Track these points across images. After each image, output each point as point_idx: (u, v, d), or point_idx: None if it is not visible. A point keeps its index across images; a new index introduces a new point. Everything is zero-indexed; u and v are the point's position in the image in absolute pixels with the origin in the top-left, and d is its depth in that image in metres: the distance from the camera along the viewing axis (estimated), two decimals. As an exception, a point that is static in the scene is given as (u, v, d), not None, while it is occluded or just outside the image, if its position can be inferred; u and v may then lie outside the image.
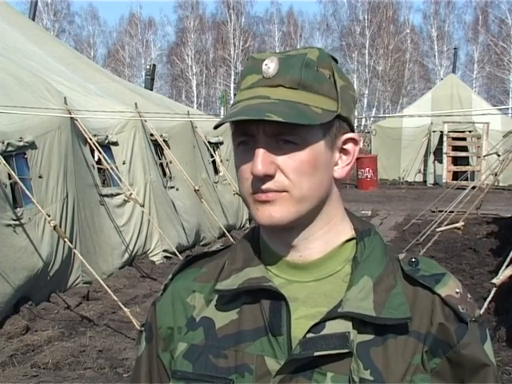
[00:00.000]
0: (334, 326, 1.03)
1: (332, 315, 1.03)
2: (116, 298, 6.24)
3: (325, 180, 1.06)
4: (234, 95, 1.10)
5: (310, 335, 1.03)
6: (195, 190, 9.66)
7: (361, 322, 1.03)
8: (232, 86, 42.26)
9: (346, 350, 1.02)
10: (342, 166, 1.09)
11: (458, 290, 1.08)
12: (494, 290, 5.68)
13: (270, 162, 1.02)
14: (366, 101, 40.93)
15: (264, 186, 1.03)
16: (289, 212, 1.04)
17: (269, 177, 1.03)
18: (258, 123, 1.02)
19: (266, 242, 1.12)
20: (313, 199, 1.05)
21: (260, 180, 1.03)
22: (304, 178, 1.03)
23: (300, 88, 1.04)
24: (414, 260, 1.09)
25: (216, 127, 1.09)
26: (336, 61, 1.10)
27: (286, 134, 1.02)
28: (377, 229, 1.15)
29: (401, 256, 1.11)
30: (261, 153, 1.02)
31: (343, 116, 1.07)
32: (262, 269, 1.09)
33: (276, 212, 1.04)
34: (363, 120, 35.06)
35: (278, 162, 1.03)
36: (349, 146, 1.10)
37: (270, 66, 1.04)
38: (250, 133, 1.04)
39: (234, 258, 1.13)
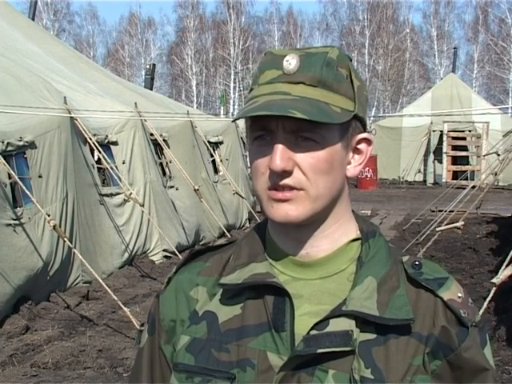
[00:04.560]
0: (338, 324, 1.03)
1: (336, 313, 1.04)
2: (116, 298, 6.24)
3: (338, 179, 1.07)
4: (251, 90, 1.09)
5: (314, 332, 1.03)
6: (195, 190, 9.66)
7: (364, 321, 1.04)
8: (232, 85, 42.27)
9: (349, 348, 1.02)
10: (354, 165, 1.10)
11: (460, 295, 1.09)
12: (493, 290, 5.67)
13: (288, 158, 1.03)
14: (366, 101, 40.87)
15: (282, 182, 1.03)
16: (305, 210, 1.04)
17: (286, 173, 1.03)
18: (278, 119, 1.02)
19: (272, 239, 1.13)
20: (327, 198, 1.06)
21: (277, 176, 1.03)
22: (320, 177, 1.04)
23: (320, 86, 1.04)
24: (417, 263, 1.10)
25: (234, 121, 1.09)
26: (350, 60, 1.10)
27: (306, 132, 1.03)
28: (381, 229, 1.16)
29: (404, 258, 1.12)
30: (280, 148, 1.02)
31: (359, 116, 1.08)
32: (267, 265, 1.10)
33: (292, 210, 1.04)
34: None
35: (296, 158, 1.03)
36: (362, 146, 1.11)
37: (292, 63, 1.04)
38: (269, 128, 1.04)
39: (240, 253, 1.14)
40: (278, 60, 1.06)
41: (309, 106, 1.01)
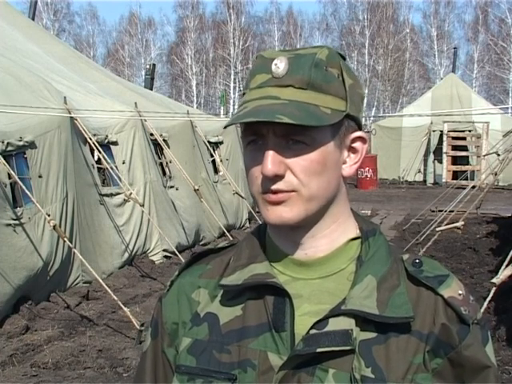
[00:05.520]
0: (337, 323, 1.03)
1: (335, 312, 1.04)
2: (116, 298, 6.24)
3: (333, 179, 1.07)
4: (243, 94, 1.10)
5: (313, 331, 1.03)
6: (195, 190, 9.66)
7: (364, 320, 1.04)
8: (232, 85, 42.28)
9: (349, 347, 1.02)
10: (350, 165, 1.10)
11: (460, 292, 1.08)
12: (493, 290, 5.68)
13: (279, 162, 1.03)
14: (365, 100, 40.94)
15: (274, 186, 1.04)
16: (298, 211, 1.05)
17: (278, 177, 1.03)
18: (268, 124, 1.02)
19: (271, 240, 1.14)
20: (321, 198, 1.06)
21: (270, 180, 1.04)
22: (313, 178, 1.04)
23: (309, 88, 1.04)
24: (417, 261, 1.10)
25: (225, 127, 1.10)
26: (344, 58, 1.10)
27: (296, 135, 1.03)
28: (381, 229, 1.16)
29: (405, 257, 1.12)
30: (270, 153, 1.03)
31: (352, 115, 1.08)
32: (267, 265, 1.10)
33: (286, 212, 1.05)
34: (363, 119, 35.07)
35: (287, 162, 1.04)
36: (357, 145, 1.11)
37: (280, 66, 1.05)
38: (260, 133, 1.04)
39: (240, 254, 1.14)
40: (267, 64, 1.06)
41: (297, 109, 1.01)
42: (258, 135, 1.05)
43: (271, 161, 1.02)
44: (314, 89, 1.04)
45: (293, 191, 1.04)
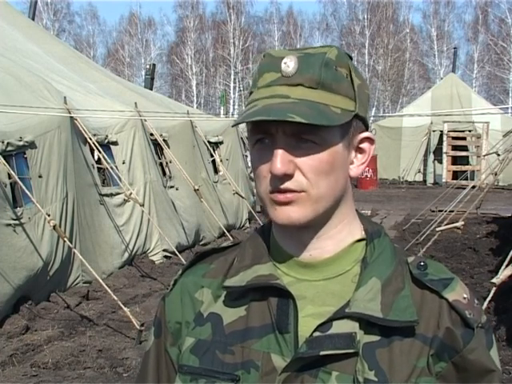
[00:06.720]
0: (341, 326, 1.03)
1: (339, 315, 1.04)
2: (116, 298, 6.24)
3: (341, 179, 1.07)
4: (250, 92, 1.08)
5: (317, 334, 1.03)
6: (195, 190, 9.66)
7: (368, 323, 1.03)
8: (232, 85, 42.28)
9: (352, 351, 1.02)
10: (357, 165, 1.10)
11: (465, 296, 1.08)
12: (493, 290, 5.68)
13: (288, 161, 1.02)
14: (366, 100, 40.85)
15: (283, 186, 1.03)
16: (306, 212, 1.04)
17: (288, 176, 1.02)
18: (277, 123, 1.01)
19: (276, 240, 1.13)
20: (330, 198, 1.06)
21: (279, 179, 1.03)
22: (322, 178, 1.03)
23: (319, 87, 1.03)
24: (422, 263, 1.09)
25: (234, 125, 1.10)
26: (351, 58, 1.09)
27: (306, 134, 1.02)
28: (386, 231, 1.15)
29: (409, 259, 1.11)
30: (280, 152, 1.02)
31: (360, 115, 1.07)
32: (271, 266, 1.10)
33: (294, 212, 1.04)
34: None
35: (296, 161, 1.03)
36: (365, 145, 1.10)
37: (290, 65, 1.04)
38: (269, 132, 1.03)
39: (244, 254, 1.14)
40: (276, 62, 1.05)
41: (308, 108, 1.00)
42: (267, 134, 1.04)
43: (281, 160, 1.01)
44: (324, 88, 1.03)
45: (302, 191, 1.03)
